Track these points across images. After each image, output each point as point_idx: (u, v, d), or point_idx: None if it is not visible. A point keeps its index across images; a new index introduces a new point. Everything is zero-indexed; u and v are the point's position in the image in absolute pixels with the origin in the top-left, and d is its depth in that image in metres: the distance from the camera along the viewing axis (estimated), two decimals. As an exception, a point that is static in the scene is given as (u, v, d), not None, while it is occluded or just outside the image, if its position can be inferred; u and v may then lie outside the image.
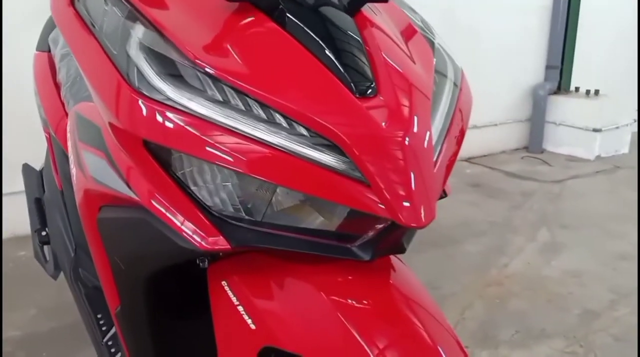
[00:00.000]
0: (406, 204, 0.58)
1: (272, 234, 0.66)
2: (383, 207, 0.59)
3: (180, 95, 0.60)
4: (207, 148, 0.59)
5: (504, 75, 4.12)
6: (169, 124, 0.59)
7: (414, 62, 0.71)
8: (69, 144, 0.85)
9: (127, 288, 0.81)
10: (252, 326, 0.68)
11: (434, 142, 0.66)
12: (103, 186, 0.73)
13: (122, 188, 0.70)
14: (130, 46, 0.64)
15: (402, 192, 0.58)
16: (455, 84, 0.75)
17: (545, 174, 3.73)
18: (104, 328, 1.21)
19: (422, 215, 0.59)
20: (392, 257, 0.76)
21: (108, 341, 1.18)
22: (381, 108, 0.62)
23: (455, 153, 0.72)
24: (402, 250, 0.70)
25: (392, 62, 0.67)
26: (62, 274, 1.61)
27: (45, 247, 1.68)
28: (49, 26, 1.69)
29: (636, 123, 4.33)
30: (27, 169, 1.84)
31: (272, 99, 0.59)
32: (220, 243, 0.64)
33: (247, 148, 0.59)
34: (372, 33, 0.71)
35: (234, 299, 0.72)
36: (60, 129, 1.42)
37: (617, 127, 4.12)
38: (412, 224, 0.58)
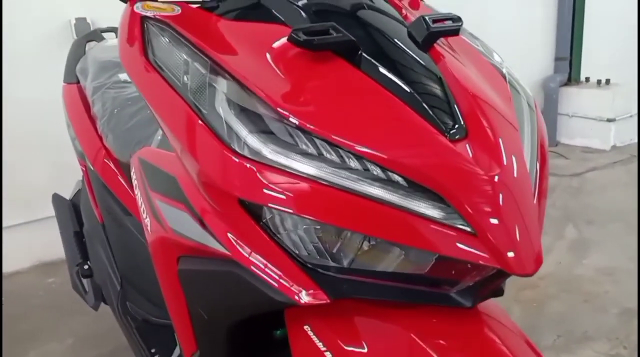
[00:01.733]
0: (513, 253, 0.57)
1: (367, 283, 0.65)
2: (490, 257, 0.58)
3: (275, 153, 0.59)
4: (304, 205, 0.58)
5: (514, 68, 4.07)
6: (266, 183, 0.58)
7: (494, 95, 0.70)
8: (137, 192, 0.84)
9: (208, 336, 0.80)
10: None
11: (531, 178, 0.65)
12: (183, 237, 0.72)
13: (206, 240, 0.69)
14: (219, 104, 0.63)
15: (509, 240, 0.57)
16: (531, 116, 0.74)
17: (563, 167, 3.71)
18: None
19: (532, 262, 0.58)
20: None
21: None
22: (475, 149, 0.61)
23: (547, 182, 0.71)
24: (500, 293, 0.69)
25: (475, 98, 0.66)
26: (102, 305, 1.60)
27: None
28: (74, 57, 1.68)
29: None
30: (57, 198, 1.84)
31: (365, 150, 0.58)
32: (319, 297, 0.63)
33: (344, 202, 0.58)
34: (449, 68, 0.69)
35: (320, 345, 0.70)
36: (98, 161, 1.42)
37: (631, 116, 4.10)
38: (523, 273, 0.57)
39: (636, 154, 3.91)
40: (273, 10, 0.73)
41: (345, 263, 0.66)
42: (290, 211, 0.59)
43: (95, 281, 1.55)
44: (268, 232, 0.64)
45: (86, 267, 1.52)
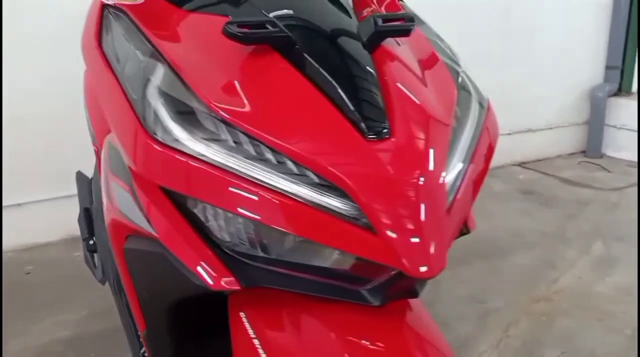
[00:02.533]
0: (414, 254, 0.57)
1: (284, 274, 0.66)
2: (387, 257, 0.58)
3: (195, 142, 0.61)
4: (219, 196, 0.60)
5: (561, 76, 3.96)
6: (183, 172, 0.61)
7: (433, 95, 0.70)
8: (102, 172, 0.88)
9: (151, 314, 0.83)
10: None
11: (451, 182, 0.64)
12: (127, 218, 0.76)
13: (142, 223, 0.72)
14: (149, 91, 0.65)
15: (409, 242, 0.57)
16: (478, 118, 0.73)
17: (603, 181, 3.56)
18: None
19: (431, 265, 0.57)
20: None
21: (144, 352, 1.22)
22: (393, 150, 0.61)
23: (476, 190, 0.70)
24: (414, 295, 0.69)
25: (408, 98, 0.66)
26: (109, 281, 1.68)
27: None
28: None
29: None
30: (79, 176, 1.92)
31: (282, 144, 0.60)
32: (231, 284, 0.65)
33: (257, 195, 0.60)
34: (390, 67, 0.69)
35: (250, 332, 0.73)
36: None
37: (683, 131, 3.89)
38: (419, 275, 0.57)
39: (686, 172, 3.71)
40: (235, 8, 0.75)
41: (273, 255, 0.67)
42: (204, 200, 0.61)
43: (100, 257, 1.62)
44: (189, 218, 0.66)
45: (92, 242, 1.59)
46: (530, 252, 2.53)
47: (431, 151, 0.62)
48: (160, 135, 0.62)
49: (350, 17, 0.81)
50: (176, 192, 0.65)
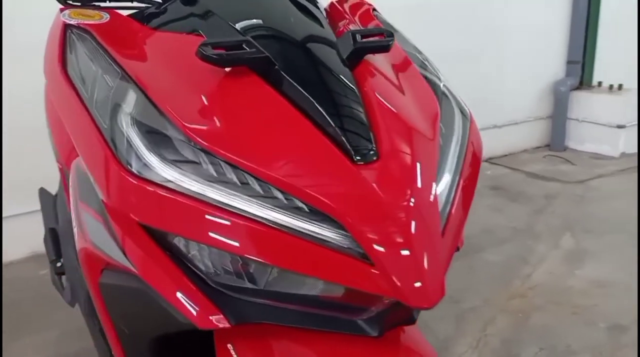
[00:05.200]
0: (414, 284, 0.55)
1: (274, 308, 0.64)
2: (386, 288, 0.56)
3: (173, 172, 0.58)
4: (201, 230, 0.57)
5: (524, 71, 4.03)
6: (161, 207, 0.57)
7: (417, 111, 0.68)
8: (71, 199, 0.83)
9: (132, 349, 0.79)
10: None
11: (442, 200, 0.63)
12: (101, 251, 0.72)
13: (118, 256, 0.68)
14: (120, 119, 0.61)
15: (407, 271, 0.55)
16: (463, 131, 0.72)
17: (569, 173, 3.64)
18: None
19: (431, 294, 0.55)
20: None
21: None
22: (381, 173, 0.59)
23: (467, 206, 0.69)
24: (411, 321, 0.67)
25: (393, 114, 0.64)
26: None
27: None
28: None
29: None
30: (43, 193, 1.85)
31: (266, 173, 0.57)
32: (220, 321, 0.62)
33: (242, 228, 0.57)
34: (372, 84, 0.67)
35: None
36: (69, 161, 1.42)
37: (643, 122, 4.00)
38: (420, 305, 0.55)
39: (646, 162, 3.81)
40: (202, 21, 0.71)
41: (261, 285, 0.64)
42: (186, 236, 0.58)
43: (68, 279, 1.56)
44: (172, 253, 0.63)
45: (59, 264, 1.53)
46: (502, 249, 2.56)
47: (420, 170, 0.60)
48: (134, 167, 0.59)
49: (322, 26, 0.79)
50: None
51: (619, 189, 3.34)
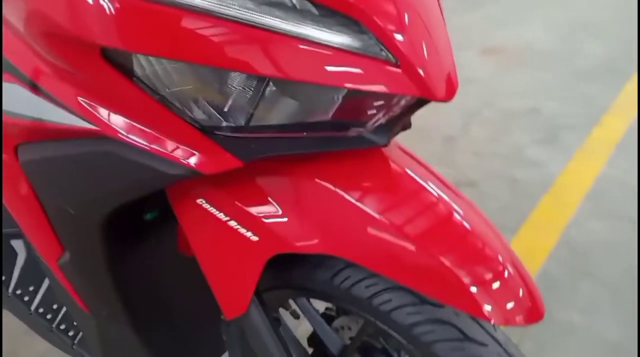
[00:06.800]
0: (437, 79, 0.53)
1: (276, 139, 0.58)
2: (414, 85, 0.53)
3: None
4: (188, 46, 0.48)
5: None
6: (136, 22, 0.46)
7: None
8: None
9: (77, 234, 0.69)
10: (254, 238, 0.63)
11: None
12: (18, 116, 0.59)
13: (58, 117, 0.55)
14: None
15: (432, 65, 0.53)
16: None
17: None
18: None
19: (455, 85, 0.55)
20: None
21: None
22: None
23: None
24: (408, 126, 0.66)
25: None
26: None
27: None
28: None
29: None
30: None
31: None
32: (231, 162, 0.56)
33: (241, 38, 0.49)
34: None
35: (221, 216, 0.64)
36: None
37: None
38: (446, 98, 0.54)
39: None
40: None
41: (242, 121, 0.57)
42: (167, 55, 0.49)
43: None
44: (145, 93, 0.53)
45: None
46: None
47: None
48: None
49: None
50: (122, 62, 0.51)
51: None
